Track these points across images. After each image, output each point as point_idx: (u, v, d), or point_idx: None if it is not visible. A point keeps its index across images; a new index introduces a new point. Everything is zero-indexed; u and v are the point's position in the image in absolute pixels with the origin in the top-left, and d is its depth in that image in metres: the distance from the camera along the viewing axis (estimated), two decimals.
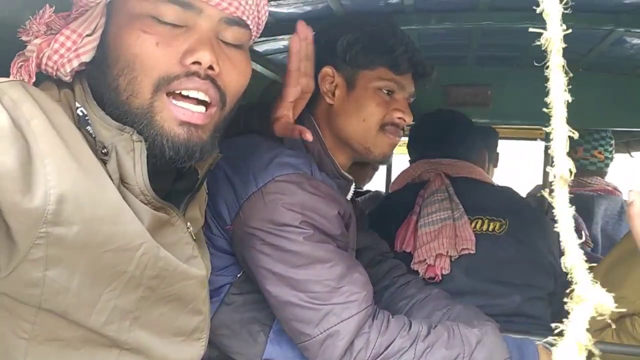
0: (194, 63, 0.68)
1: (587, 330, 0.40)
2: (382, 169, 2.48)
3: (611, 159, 2.16)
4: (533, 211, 1.53)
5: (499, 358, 0.92)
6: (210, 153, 0.76)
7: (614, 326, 1.32)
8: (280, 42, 1.65)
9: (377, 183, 2.80)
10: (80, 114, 0.68)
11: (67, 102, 0.69)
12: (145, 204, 0.71)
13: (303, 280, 0.91)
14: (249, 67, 0.77)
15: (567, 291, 0.39)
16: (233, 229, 0.96)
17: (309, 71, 1.02)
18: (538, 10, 0.43)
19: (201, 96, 0.71)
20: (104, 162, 0.68)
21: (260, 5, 0.76)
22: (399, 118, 1.09)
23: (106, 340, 0.68)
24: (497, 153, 2.25)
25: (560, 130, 0.42)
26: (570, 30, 0.41)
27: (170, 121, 0.69)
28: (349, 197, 1.14)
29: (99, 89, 0.70)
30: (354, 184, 1.16)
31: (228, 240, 0.98)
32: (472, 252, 1.38)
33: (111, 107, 0.70)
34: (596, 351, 0.40)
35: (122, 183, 0.69)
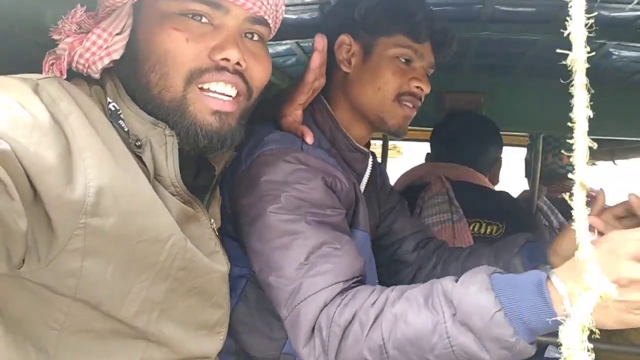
0: (222, 59, 0.73)
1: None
2: None
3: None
4: (528, 215, 1.58)
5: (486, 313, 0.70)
6: (238, 141, 0.80)
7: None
8: (281, 47, 1.68)
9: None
10: (113, 108, 0.71)
11: (98, 97, 0.71)
12: (174, 195, 0.74)
13: (273, 255, 0.84)
14: (270, 61, 0.82)
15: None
16: (230, 212, 0.94)
17: (322, 72, 1.02)
18: (565, 33, 0.47)
19: (230, 90, 0.75)
20: (137, 155, 0.70)
21: (279, 5, 0.81)
22: (417, 87, 1.05)
23: (135, 332, 0.70)
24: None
25: (582, 142, 0.48)
26: (594, 53, 0.45)
27: (204, 111, 0.73)
28: (368, 170, 1.12)
29: (130, 85, 0.74)
30: (371, 158, 1.14)
31: (232, 225, 0.96)
32: None
33: (143, 102, 0.73)
34: (597, 332, 0.46)
35: (155, 175, 0.72)
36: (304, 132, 0.99)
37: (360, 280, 0.86)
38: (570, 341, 0.43)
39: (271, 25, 0.81)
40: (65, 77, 0.71)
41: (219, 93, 0.74)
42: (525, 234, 1.11)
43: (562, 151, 2.20)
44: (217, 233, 0.85)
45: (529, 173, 2.23)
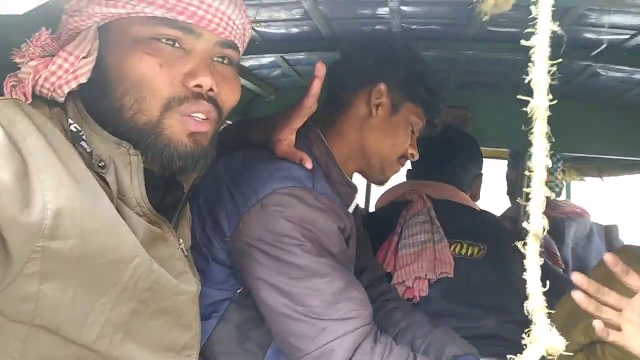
0: (196, 86, 0.73)
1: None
2: (362, 188, 2.50)
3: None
4: (510, 236, 1.56)
5: None
6: (210, 161, 0.80)
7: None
8: (266, 59, 1.67)
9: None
10: (74, 129, 0.70)
11: (59, 119, 0.70)
12: (140, 216, 0.73)
13: (299, 293, 0.89)
14: (239, 83, 0.83)
15: (525, 330, 0.45)
16: (232, 241, 0.95)
17: (316, 99, 1.05)
18: (526, 79, 0.45)
19: (203, 117, 0.76)
20: (100, 176, 0.69)
21: (246, 28, 0.81)
22: (411, 154, 1.19)
23: (97, 357, 0.68)
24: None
25: (538, 193, 0.47)
26: (552, 79, 0.44)
27: (180, 133, 0.74)
28: (353, 204, 1.16)
29: (97, 108, 0.73)
30: (357, 193, 1.18)
31: (227, 252, 0.97)
32: (450, 275, 1.41)
33: (113, 125, 0.73)
34: None
35: (118, 196, 0.71)
36: (303, 158, 1.01)
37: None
38: None
39: (240, 48, 0.82)
40: (30, 101, 0.69)
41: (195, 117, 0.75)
42: (454, 346, 1.12)
43: (557, 170, 2.22)
44: (186, 253, 0.84)
45: (510, 190, 2.22)
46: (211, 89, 0.74)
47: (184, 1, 0.69)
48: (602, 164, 2.58)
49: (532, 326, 0.46)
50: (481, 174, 1.79)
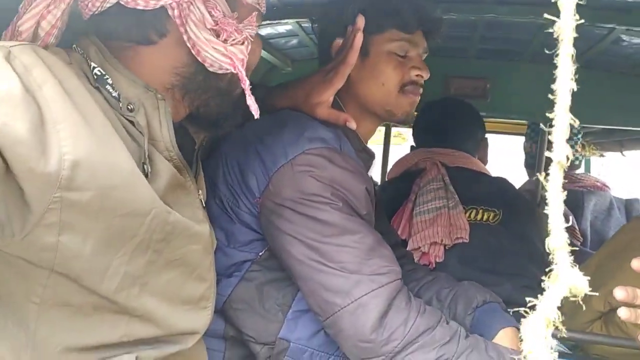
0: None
1: (568, 315, 0.43)
2: (379, 159, 2.49)
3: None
4: (526, 202, 1.55)
5: None
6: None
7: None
8: (284, 26, 1.65)
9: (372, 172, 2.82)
10: (99, 73, 0.69)
11: (79, 65, 0.69)
12: (168, 160, 0.74)
13: (332, 250, 0.90)
14: (260, 41, 0.87)
15: (547, 270, 0.42)
16: (262, 202, 0.96)
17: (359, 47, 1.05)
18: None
19: None
20: (129, 120, 0.69)
21: None
22: (417, 75, 1.10)
23: (116, 307, 0.70)
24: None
25: (563, 118, 0.45)
26: (582, 21, 0.42)
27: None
28: (370, 171, 1.15)
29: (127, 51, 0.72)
30: (374, 159, 1.16)
31: (255, 215, 0.98)
32: (465, 241, 1.41)
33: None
34: (563, 329, 0.43)
35: (149, 140, 0.71)
36: (348, 119, 1.01)
37: None
38: (532, 336, 0.40)
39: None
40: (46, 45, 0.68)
41: None
42: (485, 292, 1.13)
43: (578, 142, 2.18)
44: (204, 205, 0.85)
45: (529, 163, 2.19)
46: None
47: None
48: (623, 137, 2.53)
49: (554, 265, 0.42)
50: (486, 138, 1.79)
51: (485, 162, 1.76)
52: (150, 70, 0.73)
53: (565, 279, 0.42)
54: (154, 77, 0.74)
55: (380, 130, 2.63)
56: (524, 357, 0.39)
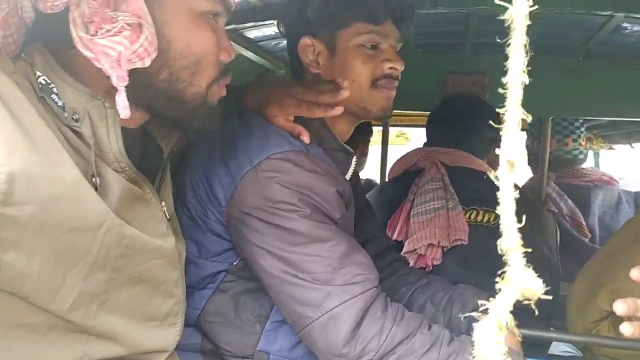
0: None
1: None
2: (377, 158, 2.45)
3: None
4: (529, 203, 1.50)
5: None
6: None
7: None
8: (270, 28, 1.62)
9: (371, 172, 2.77)
10: (43, 82, 0.66)
11: (24, 73, 0.66)
12: (118, 172, 0.70)
13: (301, 260, 0.87)
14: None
15: (499, 272, 0.41)
16: (228, 211, 0.92)
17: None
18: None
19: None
20: (74, 131, 0.66)
21: None
22: (390, 68, 1.04)
23: (72, 326, 0.66)
24: None
25: (514, 113, 0.42)
26: (536, 7, 0.39)
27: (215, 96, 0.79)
28: (350, 170, 1.10)
29: (67, 58, 0.68)
30: (354, 158, 1.12)
31: (224, 224, 0.95)
32: (464, 242, 1.36)
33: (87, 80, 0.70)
34: (516, 331, 0.41)
35: (95, 151, 0.67)
36: (301, 132, 0.96)
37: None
38: (485, 340, 0.37)
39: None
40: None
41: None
42: (482, 295, 1.07)
43: (581, 136, 2.13)
44: (169, 216, 0.81)
45: (532, 159, 2.14)
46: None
47: None
48: (631, 130, 2.46)
49: (507, 268, 0.40)
50: (499, 139, 1.72)
51: (495, 164, 1.70)
52: (90, 76, 0.69)
53: (518, 281, 0.40)
54: (96, 82, 0.69)
55: (378, 130, 2.59)
56: None
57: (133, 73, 0.66)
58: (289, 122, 0.97)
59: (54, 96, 0.66)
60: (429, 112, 1.80)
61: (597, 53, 1.71)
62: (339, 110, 0.96)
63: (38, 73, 0.66)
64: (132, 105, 0.68)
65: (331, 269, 0.87)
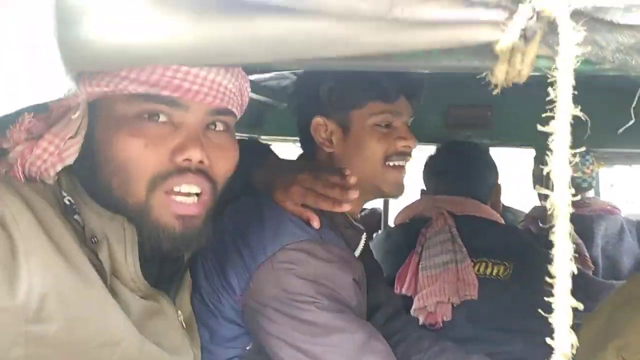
0: (184, 160, 0.71)
1: None
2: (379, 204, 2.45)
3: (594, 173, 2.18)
4: (537, 253, 1.49)
5: None
6: (204, 241, 0.78)
7: None
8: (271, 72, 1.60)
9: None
10: (68, 202, 0.69)
11: (53, 192, 0.69)
12: (134, 291, 0.72)
13: (320, 351, 0.86)
14: (236, 148, 0.80)
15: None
16: (243, 300, 0.92)
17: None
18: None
19: (194, 189, 0.73)
20: (93, 251, 0.68)
21: (244, 89, 0.77)
22: (404, 146, 1.07)
23: None
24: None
25: (563, 223, 0.41)
26: None
27: (167, 216, 0.72)
28: (360, 247, 1.10)
29: (89, 183, 0.72)
30: (364, 235, 1.12)
31: (237, 310, 0.94)
32: (474, 298, 1.35)
33: (104, 203, 0.72)
34: None
35: (112, 272, 0.70)
36: (310, 217, 0.96)
37: None
38: None
39: (236, 112, 0.78)
40: (23, 181, 0.67)
41: (183, 194, 0.72)
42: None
43: (585, 164, 2.12)
44: (184, 325, 0.82)
45: (537, 184, 2.13)
46: (201, 162, 0.71)
47: (167, 75, 0.65)
48: (631, 150, 2.45)
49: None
50: (499, 184, 1.73)
51: (498, 208, 1.70)
52: (110, 196, 0.72)
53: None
54: (120, 205, 0.72)
55: None
56: None
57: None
58: (297, 207, 0.97)
59: (76, 216, 0.68)
60: (431, 144, 1.79)
61: (599, 85, 1.70)
62: (346, 207, 0.96)
63: (64, 193, 0.69)
64: None
65: (350, 359, 0.86)
